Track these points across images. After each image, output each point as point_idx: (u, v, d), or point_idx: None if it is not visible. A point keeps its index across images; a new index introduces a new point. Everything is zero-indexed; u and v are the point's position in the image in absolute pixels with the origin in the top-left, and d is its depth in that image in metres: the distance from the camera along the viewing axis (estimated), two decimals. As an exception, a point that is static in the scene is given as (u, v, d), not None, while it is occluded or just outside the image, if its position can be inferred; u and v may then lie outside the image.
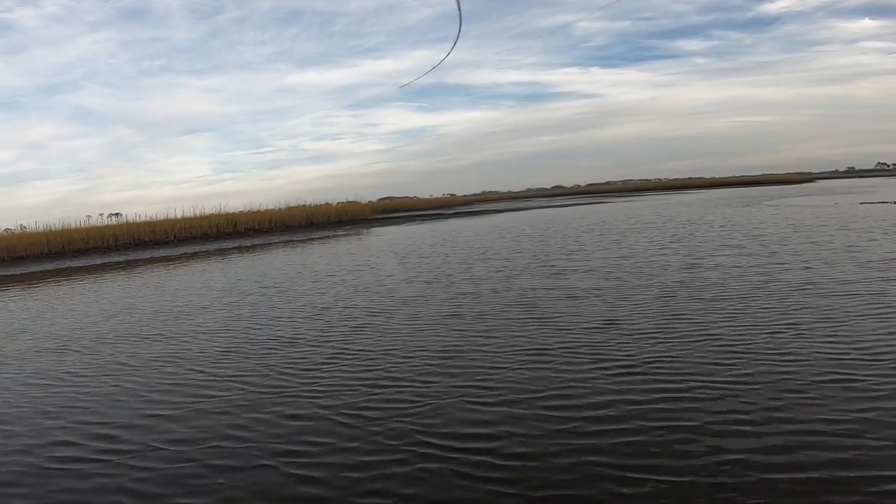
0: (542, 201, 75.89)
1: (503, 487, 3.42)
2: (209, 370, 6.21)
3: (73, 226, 29.62)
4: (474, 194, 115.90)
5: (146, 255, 25.17)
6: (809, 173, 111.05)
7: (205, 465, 3.96)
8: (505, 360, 5.77)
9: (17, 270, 21.87)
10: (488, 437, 4.07)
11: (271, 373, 5.94)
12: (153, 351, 7.29)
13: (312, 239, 28.35)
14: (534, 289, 9.55)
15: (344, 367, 5.94)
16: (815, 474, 3.30)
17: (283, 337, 7.49)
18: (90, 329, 9.04)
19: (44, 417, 5.17)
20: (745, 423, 4.00)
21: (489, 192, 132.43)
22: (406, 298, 9.57)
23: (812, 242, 13.02)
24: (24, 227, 29.34)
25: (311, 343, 7.07)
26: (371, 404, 4.84)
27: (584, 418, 4.26)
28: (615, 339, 6.22)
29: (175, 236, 31.15)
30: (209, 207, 39.09)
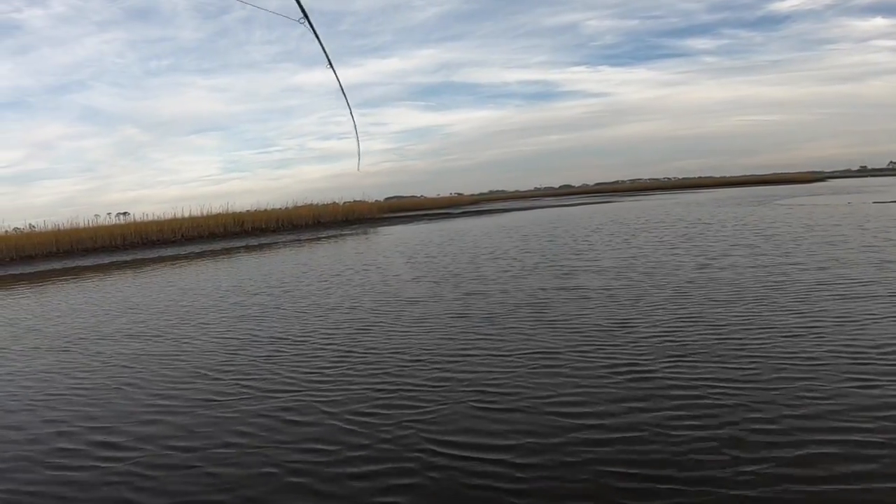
0: (550, 200, 75.61)
1: (515, 498, 3.29)
2: (214, 372, 6.11)
3: (81, 225, 29.71)
4: (481, 193, 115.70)
5: (154, 254, 25.20)
6: (821, 172, 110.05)
7: (208, 471, 3.85)
8: (515, 364, 5.62)
9: (26, 269, 21.94)
10: (498, 444, 3.93)
11: (277, 375, 5.83)
12: (158, 352, 7.20)
13: (319, 238, 28.31)
14: (543, 289, 9.39)
15: (350, 370, 5.81)
16: (837, 485, 3.15)
17: (289, 338, 7.38)
18: (96, 329, 8.97)
19: (47, 419, 5.08)
20: (763, 430, 3.84)
21: (496, 191, 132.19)
22: (413, 299, 9.44)
23: (827, 242, 12.77)
24: (33, 227, 29.51)
25: (317, 344, 6.95)
26: (378, 408, 4.72)
27: (598, 425, 4.12)
28: (628, 342, 6.06)
29: (182, 235, 31.18)
30: (216, 207, 39.17)
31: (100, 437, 4.54)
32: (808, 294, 7.67)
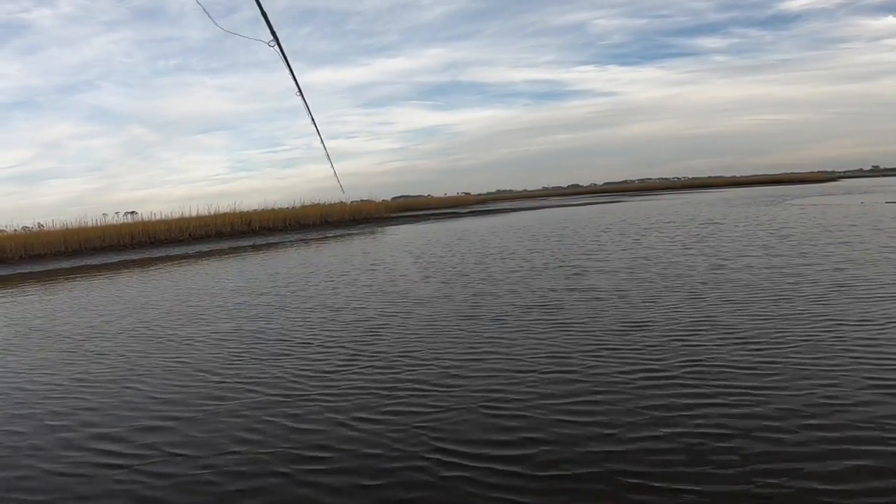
0: (558, 200, 75.31)
1: (527, 499, 3.19)
2: (220, 373, 6.01)
3: (89, 224, 29.82)
4: (489, 193, 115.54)
5: (161, 253, 25.23)
6: (833, 172, 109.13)
7: (215, 472, 3.76)
8: (526, 365, 5.48)
9: (35, 268, 22.00)
10: (510, 447, 3.82)
11: (284, 376, 5.72)
12: (164, 352, 7.11)
13: (327, 237, 28.27)
14: (554, 290, 9.23)
15: (358, 371, 5.69)
16: (862, 499, 3.00)
17: (296, 339, 7.26)
18: (102, 329, 8.90)
19: (51, 421, 4.99)
20: (783, 439, 3.70)
21: (504, 190, 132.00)
22: (421, 299, 9.31)
23: (843, 243, 12.53)
24: (42, 226, 29.63)
25: (324, 345, 6.83)
26: (387, 411, 4.60)
27: (611, 427, 4.00)
28: (643, 345, 5.90)
29: (190, 234, 31.22)
30: (224, 206, 39.38)
31: (103, 442, 4.44)
32: (827, 296, 7.47)
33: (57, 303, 12.40)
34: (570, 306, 7.92)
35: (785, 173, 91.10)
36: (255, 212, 37.27)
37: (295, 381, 5.53)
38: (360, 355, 6.27)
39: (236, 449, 4.10)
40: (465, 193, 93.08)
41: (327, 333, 7.42)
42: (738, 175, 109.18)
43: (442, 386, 5.09)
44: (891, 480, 3.12)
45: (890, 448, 3.45)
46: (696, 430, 3.83)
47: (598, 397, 4.55)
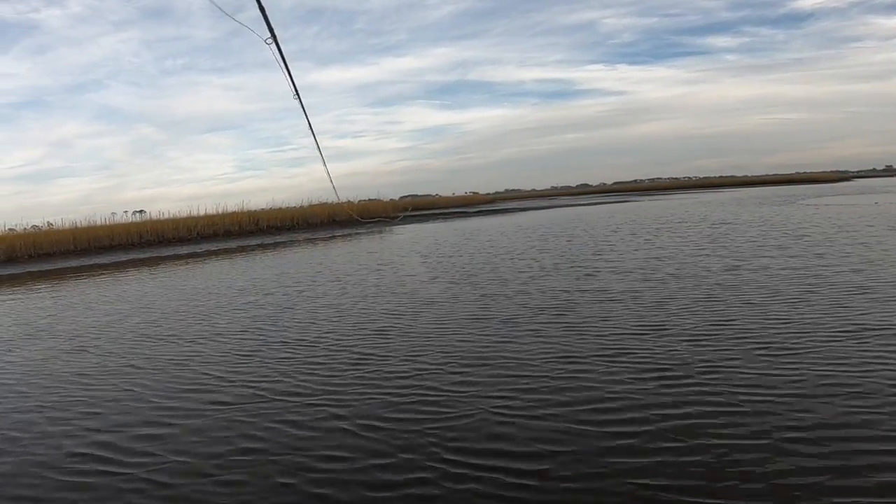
0: (568, 200, 74.95)
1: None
2: (225, 375, 5.89)
3: (98, 223, 29.95)
4: (497, 192, 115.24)
5: (169, 251, 25.25)
6: (846, 172, 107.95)
7: (218, 481, 3.65)
8: (537, 369, 5.32)
9: (44, 267, 22.06)
10: (521, 456, 3.68)
11: (289, 379, 5.59)
12: (169, 353, 7.00)
13: (334, 237, 28.20)
14: (565, 291, 9.04)
15: (365, 375, 5.55)
16: (880, 500, 2.90)
17: (302, 340, 7.13)
18: (108, 329, 8.82)
19: (54, 422, 4.90)
20: (805, 440, 3.59)
21: (512, 190, 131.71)
22: (429, 300, 9.15)
23: (861, 244, 12.25)
24: (51, 224, 29.80)
25: (330, 347, 6.70)
26: (394, 417, 4.46)
27: (627, 436, 3.84)
28: (657, 348, 5.72)
29: (198, 233, 31.24)
30: (232, 205, 39.42)
31: (105, 447, 4.34)
32: (847, 298, 7.25)
33: (64, 302, 12.35)
34: (583, 308, 7.73)
35: (797, 173, 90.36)
36: (263, 211, 37.27)
37: (300, 385, 5.40)
38: (366, 358, 6.12)
39: (239, 456, 4.00)
40: (474, 193, 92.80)
41: (334, 335, 7.28)
42: (749, 175, 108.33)
43: (451, 391, 4.94)
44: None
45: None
46: (716, 441, 3.69)
47: (614, 405, 4.40)
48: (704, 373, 4.89)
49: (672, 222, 22.22)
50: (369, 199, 49.72)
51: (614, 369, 5.15)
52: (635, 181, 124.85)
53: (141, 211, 35.50)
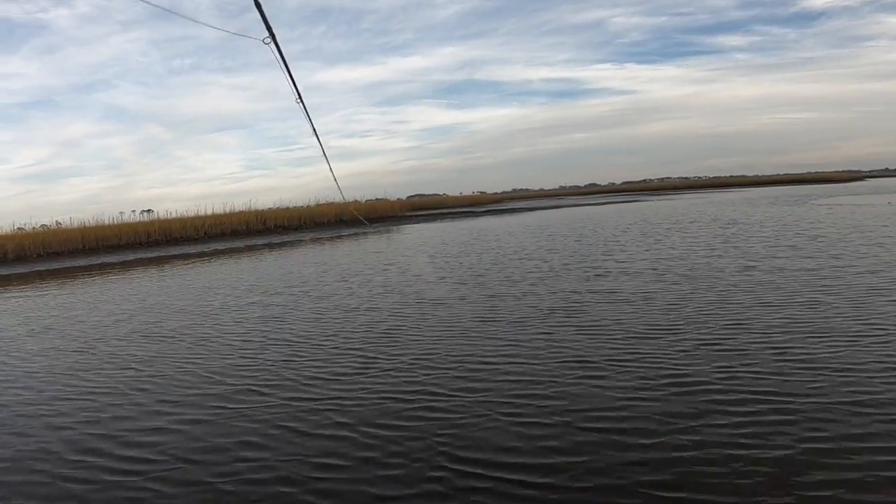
0: (576, 199, 74.58)
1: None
2: (229, 377, 5.80)
3: (106, 222, 30.01)
4: (505, 192, 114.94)
5: (177, 251, 25.27)
6: (858, 171, 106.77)
7: (224, 481, 3.58)
8: (548, 371, 5.19)
9: (53, 266, 22.11)
10: (532, 458, 3.59)
11: (294, 382, 5.49)
12: (175, 354, 6.92)
13: (341, 236, 28.12)
14: (576, 292, 8.87)
15: (372, 377, 5.43)
16: None
17: (309, 341, 7.02)
18: (114, 328, 8.75)
19: (58, 424, 4.82)
20: (822, 442, 3.50)
21: (520, 189, 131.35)
22: (436, 301, 9.00)
23: (876, 244, 12.00)
24: (60, 224, 29.91)
25: (336, 348, 6.57)
26: (401, 420, 4.35)
27: (642, 437, 3.73)
28: (671, 348, 5.57)
29: (205, 233, 31.26)
30: (239, 204, 39.38)
31: (111, 447, 4.27)
32: (866, 300, 7.07)
33: (72, 301, 12.31)
34: (594, 310, 7.57)
35: (809, 172, 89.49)
36: (270, 210, 37.27)
37: (307, 386, 5.30)
38: (374, 359, 6.00)
39: (245, 456, 3.93)
40: (481, 192, 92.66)
41: (341, 336, 7.16)
42: (759, 174, 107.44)
43: (460, 393, 4.82)
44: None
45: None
46: (732, 441, 3.60)
47: (626, 405, 4.29)
48: (721, 379, 4.73)
49: (683, 222, 21.97)
50: (376, 199, 49.69)
51: (627, 374, 4.99)
52: (644, 181, 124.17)
53: (149, 210, 35.61)
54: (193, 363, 6.42)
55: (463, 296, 9.27)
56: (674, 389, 4.53)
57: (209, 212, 34.32)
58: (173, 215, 33.56)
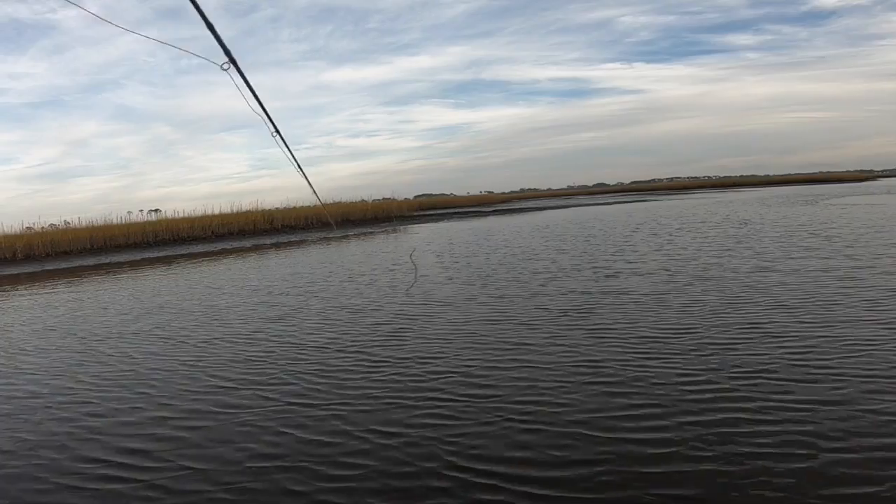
0: (585, 199, 74.23)
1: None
2: (236, 378, 5.69)
3: (114, 222, 30.12)
4: (513, 192, 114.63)
5: (184, 250, 25.30)
6: (871, 171, 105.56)
7: (227, 489, 3.48)
8: (559, 375, 5.04)
9: (61, 265, 22.18)
10: (542, 466, 3.46)
11: (299, 383, 5.37)
12: (179, 356, 6.82)
13: (348, 236, 28.05)
14: (586, 292, 8.70)
15: (378, 380, 5.30)
16: None
17: (314, 343, 6.90)
18: (119, 329, 8.68)
19: (60, 428, 4.72)
20: (847, 452, 3.36)
21: (528, 189, 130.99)
22: (444, 303, 8.86)
23: (894, 244, 11.71)
24: (68, 223, 30.02)
25: (342, 350, 6.45)
26: (409, 423, 4.23)
27: (657, 445, 3.57)
28: (686, 352, 5.40)
29: (213, 232, 31.27)
30: (246, 204, 39.48)
31: (113, 453, 4.16)
32: (886, 302, 6.84)
33: (79, 300, 12.28)
34: (605, 311, 7.39)
35: (821, 172, 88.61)
36: (278, 210, 37.26)
37: (312, 390, 5.18)
38: (380, 362, 5.86)
39: (248, 462, 3.82)
40: (489, 192, 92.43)
41: (347, 337, 7.04)
42: (771, 174, 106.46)
43: (467, 397, 4.68)
44: None
45: None
46: (751, 451, 3.44)
47: (640, 412, 4.14)
48: (737, 382, 4.56)
49: (694, 222, 21.70)
50: (383, 199, 49.59)
51: (642, 380, 4.81)
52: (653, 180, 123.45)
53: (156, 210, 35.68)
54: (200, 364, 6.32)
55: (471, 296, 9.12)
56: (691, 397, 4.36)
57: (216, 211, 34.45)
58: (181, 215, 33.70)
